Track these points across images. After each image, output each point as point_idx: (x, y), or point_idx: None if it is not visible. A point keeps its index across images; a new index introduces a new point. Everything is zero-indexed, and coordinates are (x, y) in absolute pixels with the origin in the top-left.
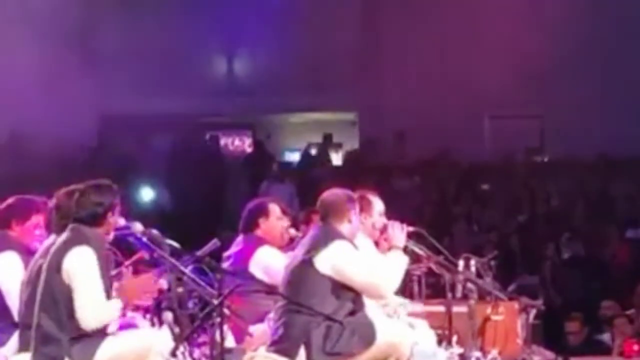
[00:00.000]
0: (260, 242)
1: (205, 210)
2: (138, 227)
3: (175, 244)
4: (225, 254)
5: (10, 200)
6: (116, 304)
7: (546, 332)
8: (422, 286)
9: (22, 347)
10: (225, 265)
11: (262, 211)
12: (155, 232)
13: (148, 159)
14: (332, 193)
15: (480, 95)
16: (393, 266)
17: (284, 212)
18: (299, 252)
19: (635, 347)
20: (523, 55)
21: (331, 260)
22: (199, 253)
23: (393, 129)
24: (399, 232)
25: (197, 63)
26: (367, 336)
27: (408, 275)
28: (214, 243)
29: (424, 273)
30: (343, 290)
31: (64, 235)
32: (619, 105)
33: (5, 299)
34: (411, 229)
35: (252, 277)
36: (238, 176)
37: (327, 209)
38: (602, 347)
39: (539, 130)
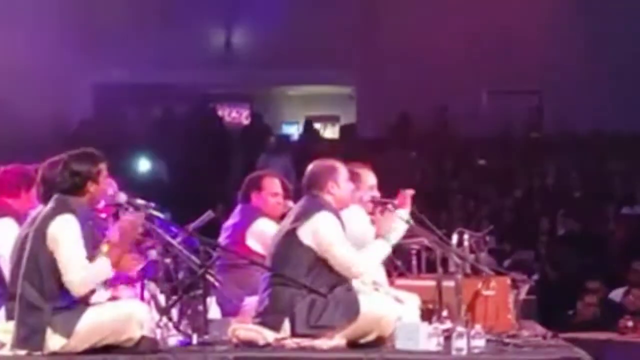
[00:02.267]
0: (258, 213)
1: (202, 182)
2: (122, 197)
3: (160, 215)
4: (225, 224)
5: (9, 168)
6: (104, 262)
7: (541, 307)
8: (421, 260)
9: (9, 316)
10: (223, 236)
11: (256, 185)
12: (140, 201)
13: (145, 130)
14: (315, 164)
15: (478, 71)
16: (374, 252)
17: (283, 185)
18: (285, 223)
19: (630, 324)
20: (521, 31)
21: (313, 232)
22: (193, 224)
23: (391, 103)
24: (397, 222)
25: (195, 34)
26: (351, 310)
27: (406, 250)
28: (208, 214)
29: (423, 247)
30: (327, 262)
31: (49, 205)
32: (616, 82)
33: (1, 267)
34: (396, 202)
35: (249, 249)
36: (235, 148)
37: (309, 180)
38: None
39: (536, 106)
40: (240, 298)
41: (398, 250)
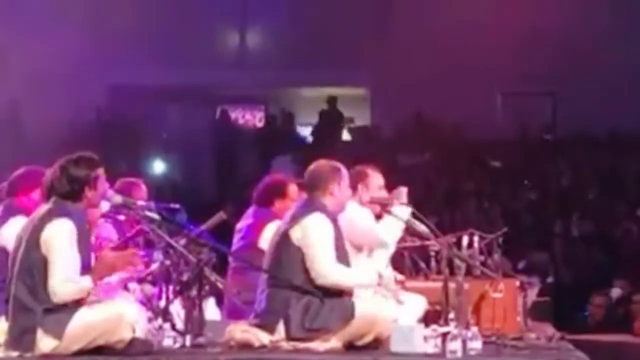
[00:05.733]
0: (272, 217)
1: (215, 183)
2: (117, 199)
3: (155, 216)
4: (238, 225)
5: (20, 170)
6: (86, 281)
7: (556, 309)
8: (440, 262)
9: (7, 316)
10: (236, 238)
11: (280, 191)
12: (140, 203)
13: (158, 131)
14: (317, 165)
15: (493, 72)
16: (358, 274)
17: (300, 187)
18: (280, 225)
19: None
20: (537, 32)
21: (302, 232)
22: (204, 225)
23: (405, 105)
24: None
25: (209, 35)
26: (346, 312)
27: (425, 252)
28: (220, 216)
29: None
30: None
31: (46, 208)
32: (632, 83)
33: None
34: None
35: (262, 252)
36: (249, 150)
37: (310, 181)
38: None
39: (551, 107)
40: (252, 301)
41: (419, 252)
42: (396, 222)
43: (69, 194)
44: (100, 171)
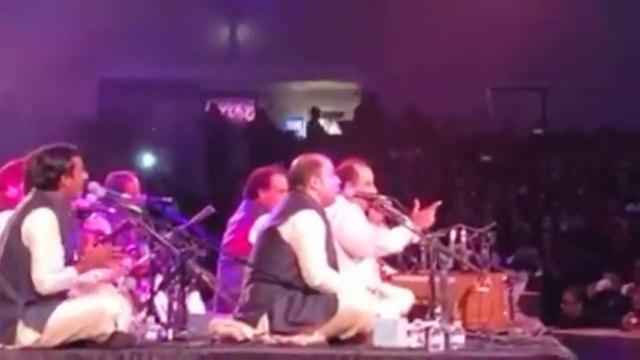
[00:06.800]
0: (261, 210)
1: (206, 176)
2: (100, 192)
3: (138, 209)
4: (231, 220)
5: (11, 163)
6: (71, 272)
7: (545, 303)
8: (430, 256)
9: None
10: (228, 231)
11: (263, 182)
12: (124, 196)
13: (148, 125)
14: (297, 160)
15: (483, 67)
16: (344, 280)
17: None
18: (268, 219)
19: (634, 321)
20: (528, 27)
21: (292, 229)
22: (192, 220)
23: (396, 100)
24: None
25: (199, 29)
26: (330, 306)
27: (416, 246)
28: (208, 209)
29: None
30: None
31: (26, 199)
32: (624, 79)
33: None
34: (382, 196)
35: (252, 245)
36: (239, 143)
37: (293, 175)
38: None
39: (542, 102)
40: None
41: (410, 246)
42: (405, 234)
43: (46, 183)
44: (77, 160)
